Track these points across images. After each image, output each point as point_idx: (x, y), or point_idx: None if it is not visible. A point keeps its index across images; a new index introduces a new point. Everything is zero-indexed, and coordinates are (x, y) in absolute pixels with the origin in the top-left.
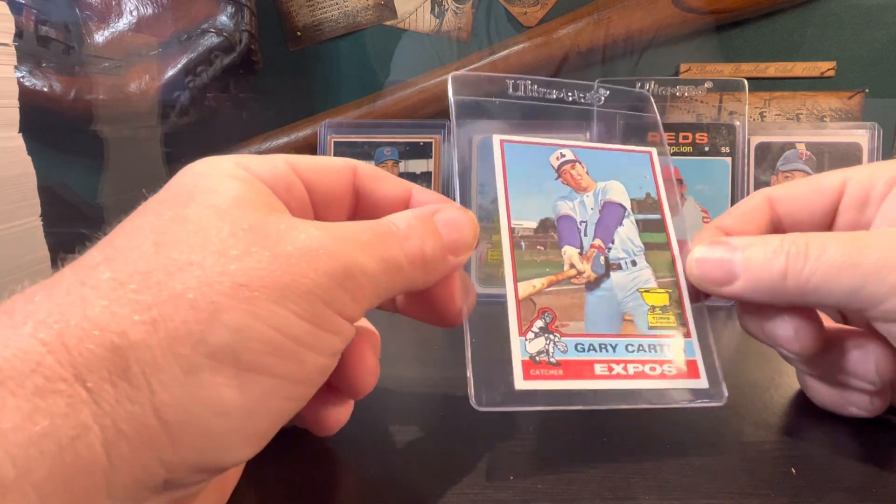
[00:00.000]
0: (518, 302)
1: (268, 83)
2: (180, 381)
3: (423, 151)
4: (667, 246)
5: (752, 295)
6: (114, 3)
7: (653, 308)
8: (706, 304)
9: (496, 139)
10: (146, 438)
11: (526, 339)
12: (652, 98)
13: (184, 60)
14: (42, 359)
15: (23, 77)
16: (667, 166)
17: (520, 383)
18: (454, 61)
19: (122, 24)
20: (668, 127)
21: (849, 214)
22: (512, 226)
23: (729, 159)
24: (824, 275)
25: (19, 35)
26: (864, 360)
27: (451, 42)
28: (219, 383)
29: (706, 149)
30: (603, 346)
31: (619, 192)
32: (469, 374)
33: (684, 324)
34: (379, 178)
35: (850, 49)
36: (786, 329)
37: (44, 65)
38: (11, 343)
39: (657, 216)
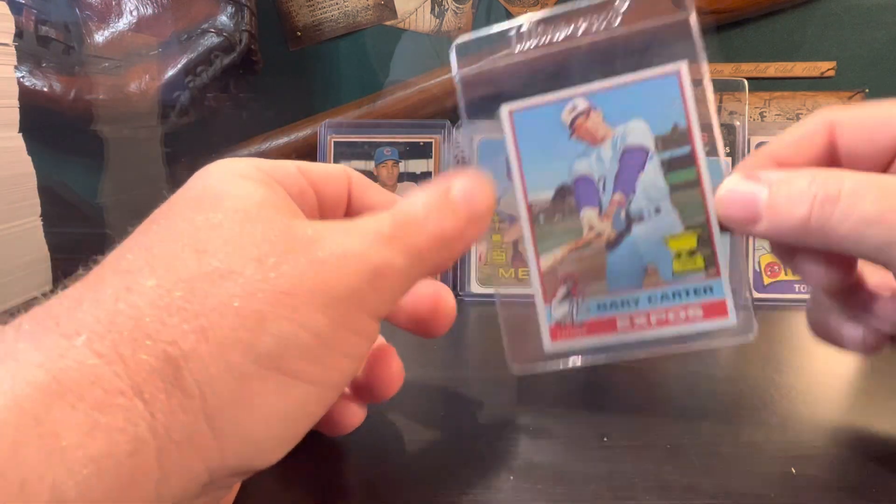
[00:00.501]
0: (541, 274)
1: (268, 83)
2: (231, 388)
3: (423, 151)
4: (697, 182)
5: (777, 237)
6: (114, 3)
7: (678, 254)
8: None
9: (504, 110)
10: (197, 447)
11: (551, 307)
12: None
13: (184, 60)
14: (101, 371)
15: (23, 77)
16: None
17: (548, 346)
18: None
19: (122, 24)
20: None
21: None
22: (529, 201)
23: (729, 159)
24: (854, 227)
25: (19, 35)
26: (890, 304)
27: (450, 42)
28: (265, 391)
29: (706, 149)
30: (625, 302)
31: (640, 134)
32: (504, 344)
33: (713, 264)
34: (369, 186)
35: (850, 49)
36: (816, 266)
37: (44, 65)
38: (68, 354)
39: (686, 149)
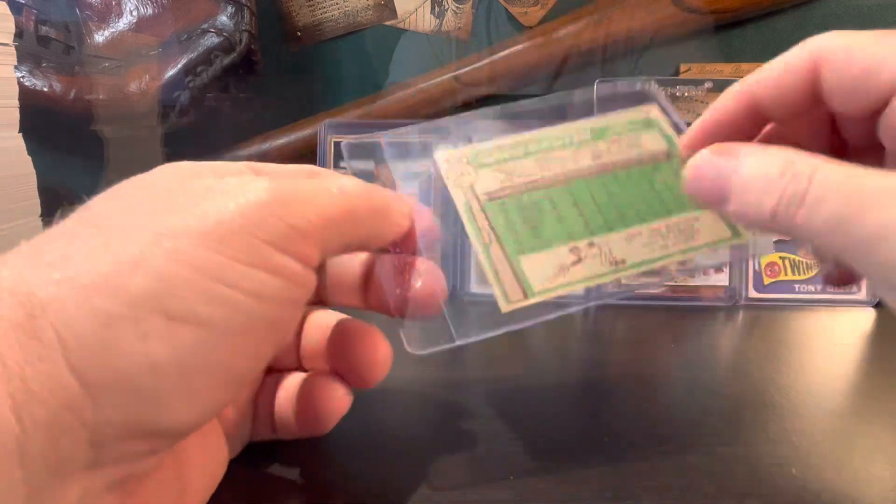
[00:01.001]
0: None
1: (268, 83)
2: (96, 333)
3: None
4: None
5: (744, 222)
6: (114, 3)
7: None
8: (705, 303)
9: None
10: (61, 398)
11: None
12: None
13: (184, 60)
14: None
15: (23, 77)
16: None
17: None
18: (454, 61)
19: (122, 24)
20: None
21: (845, 102)
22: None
23: None
24: (817, 229)
25: (19, 35)
26: None
27: (450, 42)
28: (143, 334)
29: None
30: None
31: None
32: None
33: None
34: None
35: None
36: None
37: (44, 65)
38: None
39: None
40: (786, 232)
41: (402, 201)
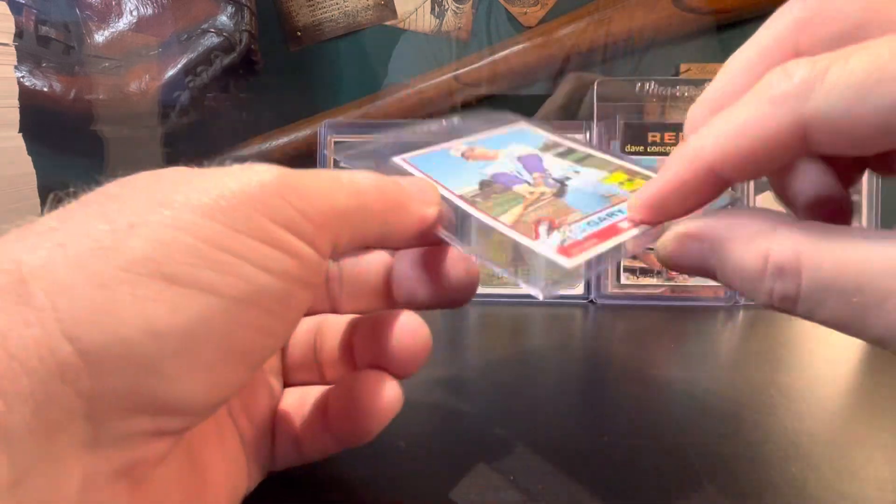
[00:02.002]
0: (512, 225)
1: (268, 83)
2: (92, 295)
3: None
4: (589, 155)
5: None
6: (114, 3)
7: (621, 183)
8: (703, 303)
9: (397, 159)
10: (54, 367)
11: (541, 241)
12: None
13: (184, 60)
14: None
15: (23, 77)
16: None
17: (568, 262)
18: (454, 61)
19: (122, 24)
20: (668, 127)
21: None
22: (458, 193)
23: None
24: (823, 321)
25: (19, 35)
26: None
27: (450, 42)
28: (142, 296)
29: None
30: (610, 214)
31: (525, 148)
32: (523, 288)
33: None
34: None
35: None
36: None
37: (44, 65)
38: None
39: (563, 147)
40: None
41: (426, 192)
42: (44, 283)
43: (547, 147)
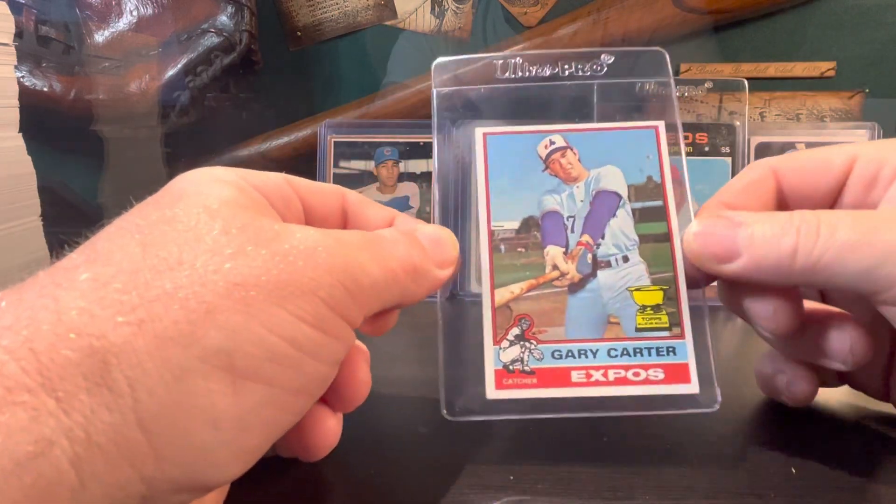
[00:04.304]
0: (494, 310)
1: (268, 83)
2: (169, 387)
3: (423, 151)
4: (666, 237)
5: (754, 274)
6: (114, 3)
7: (643, 308)
8: (707, 304)
9: (478, 132)
10: (126, 452)
11: (500, 349)
12: (667, 56)
13: (184, 60)
14: (6, 368)
15: (23, 77)
16: (672, 165)
17: (492, 393)
18: None
19: (122, 24)
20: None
21: (855, 193)
22: (492, 228)
23: (729, 159)
24: (837, 253)
25: (19, 35)
26: (840, 340)
27: (450, 42)
28: (212, 390)
29: (706, 149)
30: (582, 352)
31: (614, 180)
32: (441, 383)
33: (678, 324)
34: (366, 203)
35: (850, 49)
36: (765, 307)
37: (44, 65)
38: None
39: (658, 203)
40: (806, 269)
41: (446, 250)
42: (125, 368)
43: (640, 191)
